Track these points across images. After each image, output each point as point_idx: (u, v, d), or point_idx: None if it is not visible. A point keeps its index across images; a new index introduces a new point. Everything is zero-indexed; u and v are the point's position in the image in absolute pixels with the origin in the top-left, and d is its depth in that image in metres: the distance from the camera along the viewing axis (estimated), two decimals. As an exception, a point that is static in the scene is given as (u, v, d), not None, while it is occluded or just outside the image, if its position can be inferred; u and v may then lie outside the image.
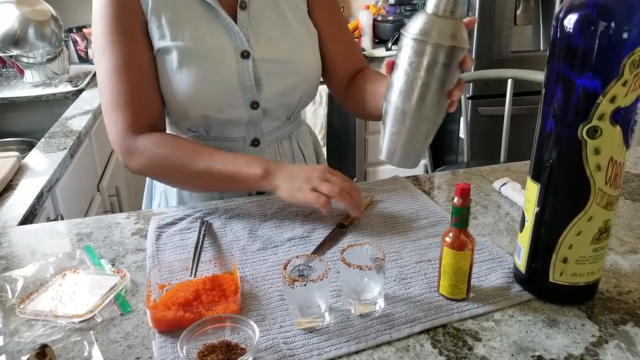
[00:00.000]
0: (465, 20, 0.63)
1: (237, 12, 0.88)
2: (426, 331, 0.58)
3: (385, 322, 0.59)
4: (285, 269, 0.59)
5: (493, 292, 0.64)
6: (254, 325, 0.54)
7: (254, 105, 0.90)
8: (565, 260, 0.59)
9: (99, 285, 0.69)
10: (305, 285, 0.57)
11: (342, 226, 0.80)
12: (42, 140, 1.42)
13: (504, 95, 1.61)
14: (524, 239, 0.62)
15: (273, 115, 0.94)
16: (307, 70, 0.94)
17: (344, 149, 2.62)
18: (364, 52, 2.54)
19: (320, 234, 0.79)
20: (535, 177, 0.60)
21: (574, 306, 0.61)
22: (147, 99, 0.85)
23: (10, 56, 1.91)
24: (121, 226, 0.85)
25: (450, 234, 0.60)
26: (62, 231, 0.86)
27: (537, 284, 0.62)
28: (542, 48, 2.56)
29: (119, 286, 0.68)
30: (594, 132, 0.54)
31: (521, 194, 0.87)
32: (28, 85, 1.95)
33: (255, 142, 0.94)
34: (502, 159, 1.64)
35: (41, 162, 1.26)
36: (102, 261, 0.75)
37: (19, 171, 1.19)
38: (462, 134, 2.49)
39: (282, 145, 0.98)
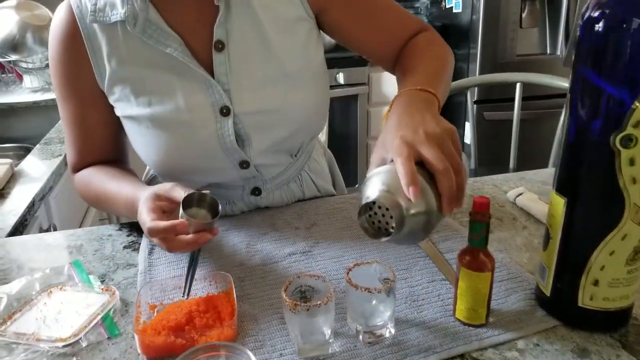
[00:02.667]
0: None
1: (213, 54, 0.74)
2: (442, 361, 0.53)
3: (396, 351, 0.54)
4: (285, 290, 0.54)
5: (515, 317, 0.58)
6: (251, 355, 0.49)
7: (244, 165, 0.80)
8: (596, 283, 0.53)
9: (86, 305, 0.64)
10: (308, 310, 0.52)
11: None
12: (38, 146, 1.37)
13: (509, 99, 1.55)
14: (549, 258, 0.57)
15: (271, 166, 0.84)
16: (304, 114, 0.79)
17: (345, 153, 2.56)
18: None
19: (323, 249, 0.73)
20: (561, 190, 0.54)
21: (605, 334, 0.55)
22: (91, 149, 0.85)
23: (9, 61, 1.88)
24: (113, 238, 0.80)
25: (468, 253, 0.55)
26: (52, 243, 0.81)
27: (564, 308, 0.57)
28: (548, 51, 2.52)
29: (107, 306, 0.63)
30: (628, 141, 0.49)
31: (538, 206, 0.82)
32: (27, 91, 1.91)
33: (256, 192, 0.86)
34: (511, 165, 1.59)
35: (36, 169, 1.22)
36: (91, 277, 0.70)
37: (12, 178, 1.15)
38: (468, 139, 2.44)
39: (290, 189, 0.89)
